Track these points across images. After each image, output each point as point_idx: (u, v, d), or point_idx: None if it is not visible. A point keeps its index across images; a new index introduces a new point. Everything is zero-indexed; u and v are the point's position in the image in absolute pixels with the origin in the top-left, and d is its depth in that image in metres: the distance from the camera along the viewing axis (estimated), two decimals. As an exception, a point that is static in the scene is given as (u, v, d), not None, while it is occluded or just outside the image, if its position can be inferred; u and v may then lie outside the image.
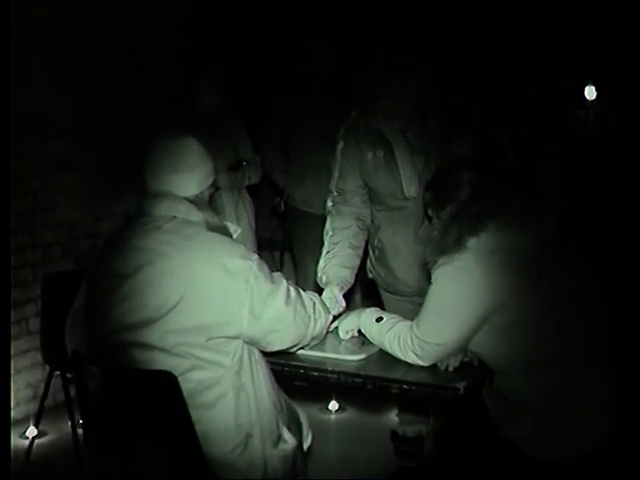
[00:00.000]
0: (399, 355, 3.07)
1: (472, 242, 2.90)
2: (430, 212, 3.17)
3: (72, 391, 4.02)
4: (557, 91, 4.84)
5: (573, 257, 3.02)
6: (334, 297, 3.62)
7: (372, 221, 3.88)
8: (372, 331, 3.20)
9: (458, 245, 2.90)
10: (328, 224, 3.86)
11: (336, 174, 3.87)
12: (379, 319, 3.19)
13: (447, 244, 2.92)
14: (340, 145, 3.85)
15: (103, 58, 5.36)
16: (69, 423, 4.48)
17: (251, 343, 2.85)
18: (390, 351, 3.11)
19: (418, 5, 5.72)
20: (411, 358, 3.03)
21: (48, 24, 4.98)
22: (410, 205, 3.72)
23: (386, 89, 3.59)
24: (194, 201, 2.89)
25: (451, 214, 3.00)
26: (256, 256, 2.83)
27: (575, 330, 2.87)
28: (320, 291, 3.61)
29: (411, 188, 3.70)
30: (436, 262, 2.97)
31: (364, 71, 3.73)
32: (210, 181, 3.00)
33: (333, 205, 3.86)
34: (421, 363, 3.02)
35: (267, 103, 5.59)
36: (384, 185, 3.76)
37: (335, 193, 3.86)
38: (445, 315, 2.93)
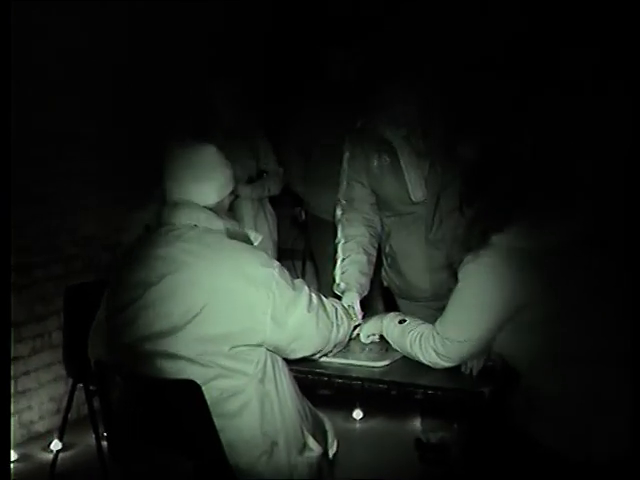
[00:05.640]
0: (419, 355, 3.05)
1: (497, 239, 2.88)
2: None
3: (96, 404, 4.03)
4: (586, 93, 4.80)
5: (602, 256, 2.98)
6: (353, 305, 3.60)
7: (382, 228, 3.88)
8: (394, 332, 3.18)
9: (483, 242, 2.89)
10: (340, 233, 3.86)
11: (344, 183, 3.89)
12: (402, 321, 3.18)
13: (472, 241, 2.91)
14: (347, 154, 3.89)
15: (125, 71, 5.39)
16: (93, 436, 4.48)
17: (275, 351, 2.84)
18: (410, 351, 3.09)
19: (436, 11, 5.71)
20: (431, 357, 3.01)
21: (72, 40, 5.01)
22: (418, 210, 3.73)
23: (391, 97, 3.59)
24: (214, 209, 2.90)
25: (476, 210, 2.98)
26: (277, 263, 2.83)
27: (602, 331, 2.84)
28: (337, 299, 3.59)
29: (417, 192, 3.71)
30: (462, 261, 2.95)
31: (370, 79, 3.73)
32: (230, 189, 3.00)
33: (343, 213, 3.87)
34: (441, 362, 3.00)
35: (288, 114, 5.61)
36: (391, 191, 3.77)
37: (344, 201, 3.88)
38: (469, 311, 2.91)
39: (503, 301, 2.84)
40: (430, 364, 3.04)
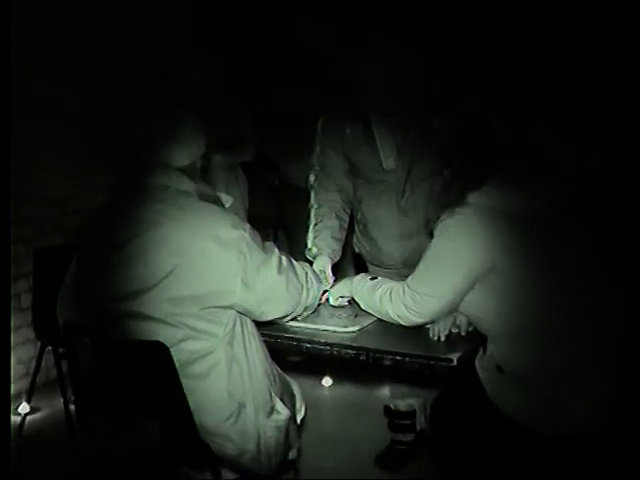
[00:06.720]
0: (388, 309, 3.06)
1: (473, 197, 2.89)
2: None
3: (64, 367, 4.02)
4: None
5: (583, 232, 2.99)
6: (324, 269, 3.61)
7: (355, 195, 3.90)
8: (364, 289, 3.19)
9: (460, 200, 2.89)
10: (312, 198, 3.91)
11: (317, 149, 3.93)
12: (373, 278, 3.20)
13: (449, 199, 2.92)
14: (321, 121, 3.90)
15: (94, 36, 5.35)
16: (61, 399, 4.47)
17: (245, 313, 2.84)
18: (380, 307, 3.10)
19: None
20: (401, 310, 3.01)
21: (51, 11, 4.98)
22: (390, 178, 3.74)
23: (364, 67, 3.59)
24: (186, 171, 2.88)
25: (454, 169, 2.98)
26: (248, 226, 2.82)
27: (572, 301, 2.84)
28: (309, 264, 3.60)
29: (389, 161, 3.72)
30: (438, 219, 2.96)
31: (344, 52, 3.73)
32: (202, 151, 2.98)
33: (315, 179, 3.91)
34: (410, 317, 3.00)
35: (263, 81, 5.59)
36: (363, 158, 3.79)
37: (317, 168, 3.92)
38: (440, 266, 2.92)
39: (475, 258, 2.84)
40: (399, 319, 3.04)
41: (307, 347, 3.15)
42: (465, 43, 5.41)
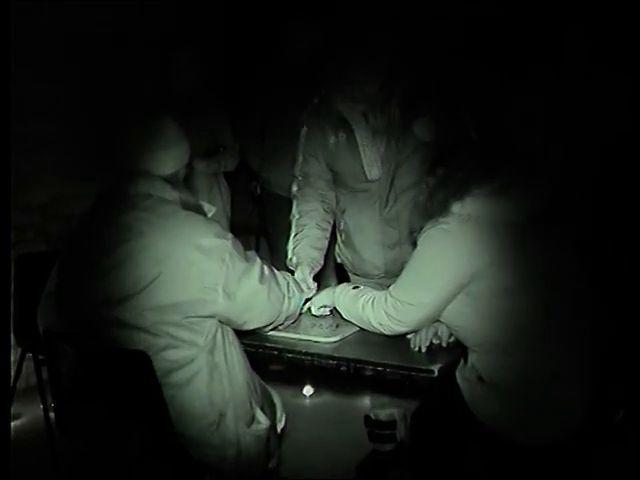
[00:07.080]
0: (370, 317, 3.07)
1: (457, 207, 2.89)
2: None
3: (44, 374, 4.00)
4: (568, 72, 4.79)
5: (565, 239, 3.00)
6: (305, 279, 3.61)
7: (337, 204, 3.90)
8: (346, 298, 3.20)
9: (444, 210, 2.90)
10: (294, 208, 3.88)
11: (300, 158, 3.89)
12: (356, 287, 3.21)
13: (433, 209, 2.93)
14: (304, 129, 3.88)
15: (78, 39, 5.34)
16: (41, 406, 4.45)
17: (227, 323, 2.85)
18: (362, 315, 3.11)
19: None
20: (382, 319, 3.02)
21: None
22: (373, 187, 3.74)
23: (348, 73, 3.59)
24: (169, 180, 2.88)
25: (438, 179, 2.99)
26: (231, 235, 2.82)
27: (554, 310, 2.85)
28: (291, 274, 3.60)
29: (373, 170, 3.71)
30: (421, 229, 2.96)
31: (330, 54, 3.72)
32: (185, 160, 2.99)
33: (298, 189, 3.88)
34: (392, 326, 3.01)
35: (245, 88, 5.59)
36: (346, 168, 3.77)
37: (300, 177, 3.89)
38: (423, 275, 2.93)
39: (458, 269, 2.85)
40: (381, 327, 3.05)
41: (288, 357, 3.13)
42: (465, 43, 5.42)
